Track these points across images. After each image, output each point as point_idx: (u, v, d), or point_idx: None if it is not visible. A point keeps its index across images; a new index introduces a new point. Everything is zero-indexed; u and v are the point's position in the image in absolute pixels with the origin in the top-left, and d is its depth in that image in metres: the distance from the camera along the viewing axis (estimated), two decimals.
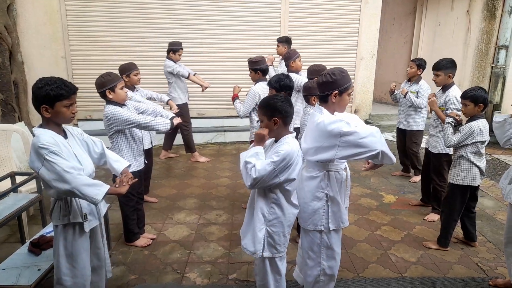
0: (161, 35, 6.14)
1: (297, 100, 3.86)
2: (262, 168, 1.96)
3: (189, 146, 5.54)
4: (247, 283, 2.82)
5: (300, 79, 3.84)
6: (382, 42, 8.07)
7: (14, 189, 3.01)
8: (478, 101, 2.93)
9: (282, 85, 3.16)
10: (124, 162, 2.42)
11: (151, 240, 3.35)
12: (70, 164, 1.92)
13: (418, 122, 4.67)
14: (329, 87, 2.17)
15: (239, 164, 2.09)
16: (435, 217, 3.83)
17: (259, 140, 2.10)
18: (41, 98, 1.93)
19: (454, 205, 3.16)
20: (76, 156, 2.06)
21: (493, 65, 6.81)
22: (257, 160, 2.01)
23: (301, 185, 2.29)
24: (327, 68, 2.47)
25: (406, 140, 4.83)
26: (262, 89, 3.61)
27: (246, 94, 3.85)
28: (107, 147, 2.46)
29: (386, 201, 4.32)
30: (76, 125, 6.12)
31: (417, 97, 4.51)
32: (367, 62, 7.14)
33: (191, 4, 6.28)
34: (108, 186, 2.00)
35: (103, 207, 2.37)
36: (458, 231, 3.42)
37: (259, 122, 2.18)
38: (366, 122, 7.27)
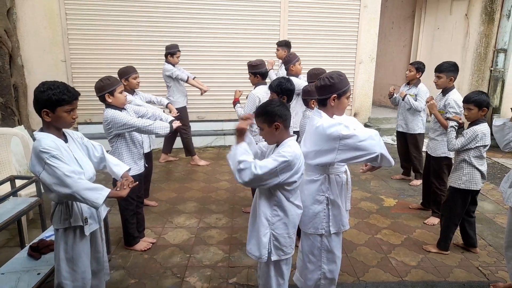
0: (161, 39, 6.16)
1: (297, 104, 3.86)
2: (264, 165, 1.94)
3: (188, 149, 5.54)
4: (247, 287, 2.81)
5: (300, 82, 3.85)
6: (381, 46, 8.10)
7: (14, 193, 3.00)
8: (482, 105, 2.94)
9: (283, 89, 3.16)
10: (124, 166, 2.42)
11: (151, 244, 3.35)
12: (71, 168, 1.92)
13: (418, 125, 4.67)
14: (327, 91, 2.18)
15: (229, 164, 2.05)
16: (435, 220, 3.83)
17: (240, 134, 2.07)
18: (42, 102, 1.93)
19: (454, 209, 3.16)
20: (77, 160, 2.06)
21: (492, 69, 6.83)
22: (249, 157, 1.99)
23: (302, 188, 2.28)
24: (327, 71, 2.48)
25: (407, 144, 4.83)
26: (262, 93, 3.61)
27: (246, 98, 3.86)
28: (107, 151, 2.46)
29: (386, 205, 4.32)
30: (76, 128, 6.12)
31: (416, 100, 4.52)
32: (366, 65, 7.16)
33: (190, 8, 6.30)
34: (109, 190, 2.00)
35: (103, 211, 2.38)
36: (458, 236, 3.41)
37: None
38: (366, 125, 7.28)
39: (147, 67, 6.06)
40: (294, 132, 3.66)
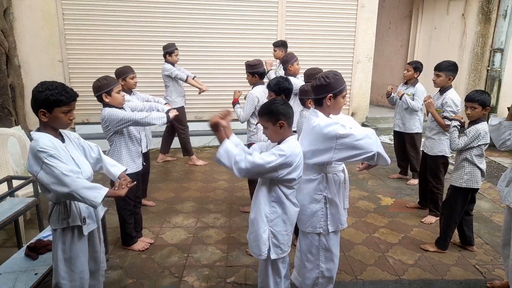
0: (159, 38, 6.14)
1: (295, 104, 3.86)
2: (261, 157, 1.96)
3: (186, 149, 5.53)
4: (245, 286, 2.81)
5: (298, 82, 3.85)
6: (378, 46, 8.11)
7: (11, 193, 2.99)
8: (486, 105, 2.97)
9: (281, 88, 3.17)
10: (121, 166, 2.42)
11: (149, 244, 3.34)
12: (68, 168, 1.92)
13: (415, 125, 4.69)
14: (323, 90, 2.18)
15: (222, 163, 2.04)
16: (432, 219, 3.85)
17: (214, 129, 2.08)
18: (40, 102, 1.93)
19: (455, 208, 3.17)
20: (74, 159, 2.06)
21: (489, 68, 6.86)
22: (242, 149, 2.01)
23: (299, 187, 2.29)
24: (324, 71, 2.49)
25: (404, 143, 4.84)
26: (260, 93, 3.62)
27: (244, 98, 3.86)
28: (105, 151, 2.46)
29: (384, 204, 4.33)
30: (73, 129, 6.10)
31: (413, 100, 4.54)
32: (363, 65, 7.18)
33: (188, 8, 6.29)
34: (107, 189, 2.01)
35: (101, 211, 2.37)
36: (455, 234, 3.42)
37: (257, 125, 2.18)
38: (363, 125, 7.29)
39: (144, 67, 6.05)
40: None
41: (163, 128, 5.63)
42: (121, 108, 3.02)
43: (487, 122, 2.91)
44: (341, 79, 2.20)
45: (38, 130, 2.02)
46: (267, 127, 2.11)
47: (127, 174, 2.40)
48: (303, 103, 3.33)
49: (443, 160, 3.80)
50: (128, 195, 3.11)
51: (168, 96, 5.17)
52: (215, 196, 4.50)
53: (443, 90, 3.74)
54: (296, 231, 2.42)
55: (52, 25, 5.93)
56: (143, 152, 3.37)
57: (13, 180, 3.13)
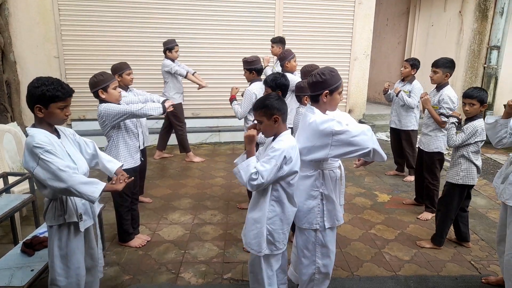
0: (155, 34, 6.13)
1: (292, 100, 3.86)
2: (265, 170, 2.00)
3: (183, 146, 5.52)
4: (242, 282, 2.82)
5: (295, 79, 3.85)
6: (375, 43, 8.12)
7: (7, 189, 2.98)
8: (484, 102, 2.99)
9: (278, 84, 3.17)
10: (117, 162, 2.41)
11: (146, 241, 3.34)
12: (65, 163, 1.91)
13: (411, 122, 4.70)
14: (319, 87, 2.18)
15: (239, 175, 2.08)
16: (428, 215, 3.87)
17: (249, 142, 2.12)
18: (36, 98, 1.92)
19: (451, 204, 3.19)
20: (70, 155, 2.05)
21: (485, 66, 6.88)
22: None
23: (296, 184, 2.29)
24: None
25: (400, 140, 4.86)
26: (257, 89, 3.61)
27: (242, 95, 3.85)
28: (103, 147, 2.45)
29: (380, 200, 4.34)
30: (70, 125, 6.08)
31: (410, 97, 4.55)
32: (361, 62, 7.18)
33: (185, 4, 6.26)
34: (104, 183, 2.00)
35: (97, 207, 2.37)
36: (451, 231, 3.44)
37: (255, 122, 2.18)
38: (360, 122, 7.31)
39: (141, 63, 6.03)
40: (289, 128, 3.67)
41: (160, 125, 5.62)
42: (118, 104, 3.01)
43: (484, 119, 2.92)
44: (337, 76, 2.20)
45: (34, 126, 2.01)
46: (262, 121, 2.12)
47: (125, 170, 2.39)
48: (300, 100, 3.33)
49: (439, 156, 3.82)
50: (125, 191, 3.12)
51: (166, 92, 5.16)
52: (212, 192, 4.50)
53: (439, 87, 3.75)
54: (293, 227, 2.43)
55: (48, 21, 5.90)
56: (140, 148, 3.36)
57: (8, 177, 3.12)
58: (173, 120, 5.29)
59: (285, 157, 2.03)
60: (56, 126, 2.09)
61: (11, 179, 3.10)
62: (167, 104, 3.13)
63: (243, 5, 6.44)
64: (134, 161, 3.18)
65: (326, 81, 2.16)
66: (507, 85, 6.80)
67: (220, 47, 6.52)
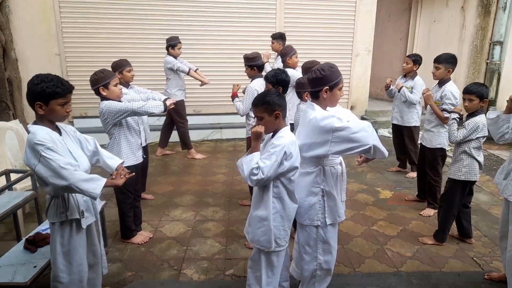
0: (156, 31, 6.11)
1: (293, 96, 3.85)
2: (265, 166, 1.99)
3: (185, 143, 5.53)
4: (244, 278, 2.81)
5: (296, 74, 3.84)
6: (377, 39, 8.07)
7: (9, 186, 2.99)
8: (483, 97, 2.97)
9: (278, 79, 3.17)
10: (118, 159, 2.41)
11: (148, 238, 3.35)
12: (66, 160, 1.91)
13: (413, 118, 4.68)
14: (319, 83, 2.18)
15: (241, 169, 2.08)
16: (430, 212, 3.86)
17: (256, 138, 2.11)
18: (36, 95, 1.92)
19: (453, 201, 3.18)
20: (71, 152, 2.06)
21: (488, 61, 6.83)
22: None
23: (297, 180, 2.28)
24: None
25: (403, 136, 4.84)
26: (259, 86, 3.60)
27: (243, 92, 3.84)
28: (104, 145, 2.45)
29: (382, 197, 4.34)
30: (72, 122, 6.09)
31: (412, 93, 4.52)
32: (362, 58, 7.15)
33: (186, 1, 6.24)
34: (105, 179, 2.00)
35: (99, 204, 2.37)
36: (453, 227, 3.43)
37: (255, 119, 2.18)
38: (362, 118, 7.28)
39: (142, 60, 6.02)
40: (290, 124, 3.66)
41: (162, 122, 5.62)
42: (119, 101, 3.01)
43: (485, 115, 2.90)
44: (337, 72, 2.19)
45: (35, 123, 2.01)
46: (263, 117, 2.11)
47: (127, 167, 2.40)
48: (300, 96, 3.33)
49: (442, 152, 3.80)
50: (128, 188, 3.13)
51: (168, 89, 5.16)
52: (214, 189, 4.50)
53: (442, 82, 3.73)
54: (295, 223, 2.43)
55: (49, 18, 5.89)
56: (142, 145, 3.37)
57: (11, 174, 3.12)
58: (175, 117, 5.29)
59: (285, 152, 2.02)
60: (57, 123, 2.09)
61: (14, 176, 3.11)
62: (168, 102, 3.13)
63: (244, 1, 6.41)
64: (136, 158, 3.18)
65: (326, 77, 2.15)
66: (510, 81, 6.75)
67: (222, 43, 6.50)
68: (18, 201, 2.80)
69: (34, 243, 2.61)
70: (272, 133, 2.18)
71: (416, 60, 4.57)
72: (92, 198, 2.06)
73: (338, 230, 2.47)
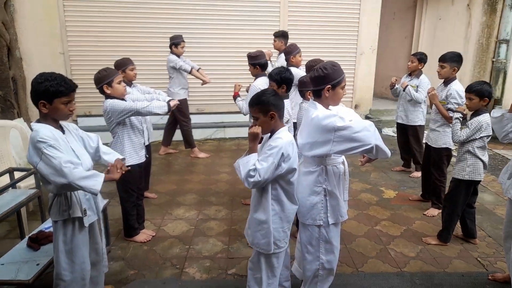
0: (160, 30, 6.11)
1: (296, 95, 3.84)
2: (262, 168, 1.96)
3: (188, 141, 5.53)
4: (246, 278, 2.81)
5: (300, 73, 3.82)
6: (382, 37, 8.01)
7: (13, 184, 3.01)
8: (483, 96, 2.93)
9: (282, 78, 3.15)
10: (117, 154, 2.41)
11: (151, 237, 3.36)
12: (67, 158, 1.91)
13: (418, 117, 4.65)
14: (321, 82, 2.16)
15: (238, 170, 2.06)
16: (434, 212, 3.83)
17: (253, 139, 2.08)
18: (39, 93, 1.93)
19: (457, 200, 3.16)
20: (74, 151, 2.06)
21: (494, 60, 6.77)
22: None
23: (299, 180, 2.28)
24: None
25: (407, 135, 4.80)
26: (262, 84, 3.59)
27: (246, 90, 3.83)
28: (109, 143, 2.45)
29: (386, 196, 4.31)
30: (76, 121, 6.11)
31: (417, 92, 4.49)
32: (367, 57, 7.11)
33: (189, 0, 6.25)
34: (103, 174, 2.01)
35: (101, 202, 2.37)
36: (457, 227, 3.40)
37: None
38: (367, 117, 7.26)
39: (146, 58, 6.02)
40: (293, 123, 3.64)
41: (165, 121, 5.63)
42: (123, 99, 3.02)
43: (490, 114, 2.87)
44: (339, 70, 2.17)
45: (38, 121, 2.02)
46: (258, 117, 2.09)
47: (130, 166, 2.40)
48: (303, 95, 3.31)
49: (447, 152, 3.77)
50: (131, 187, 3.15)
51: (171, 87, 5.16)
52: (217, 188, 4.50)
53: (447, 81, 3.70)
54: (297, 223, 2.42)
55: (53, 17, 5.91)
56: (145, 144, 3.37)
57: (15, 172, 3.14)
58: (178, 115, 5.29)
59: (282, 154, 1.99)
60: (61, 122, 2.10)
61: (17, 175, 3.13)
62: (172, 103, 3.13)
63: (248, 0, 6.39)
64: (139, 157, 3.19)
65: (328, 75, 2.13)
66: None
67: (225, 42, 6.49)
68: (22, 199, 2.82)
69: (37, 241, 2.62)
70: (269, 134, 2.16)
71: (421, 58, 4.53)
72: (93, 194, 2.07)
73: (341, 230, 2.46)
